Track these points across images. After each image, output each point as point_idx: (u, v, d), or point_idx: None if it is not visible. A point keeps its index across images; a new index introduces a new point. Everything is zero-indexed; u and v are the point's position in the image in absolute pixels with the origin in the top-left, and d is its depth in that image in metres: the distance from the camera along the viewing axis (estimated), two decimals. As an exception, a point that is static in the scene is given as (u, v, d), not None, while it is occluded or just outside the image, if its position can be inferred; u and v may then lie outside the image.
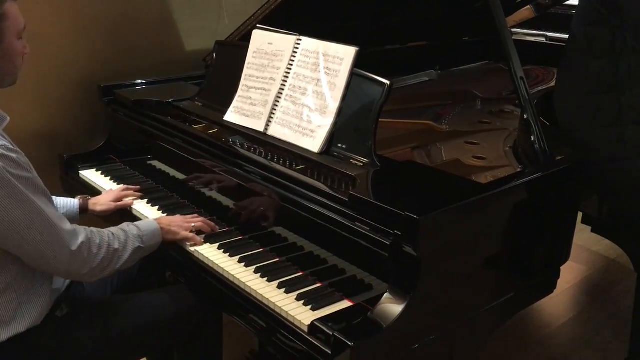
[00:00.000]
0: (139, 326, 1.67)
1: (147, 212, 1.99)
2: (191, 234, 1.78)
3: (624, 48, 1.76)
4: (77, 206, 1.95)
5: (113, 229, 1.63)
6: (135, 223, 1.71)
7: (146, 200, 2.06)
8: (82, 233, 1.52)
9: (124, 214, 2.02)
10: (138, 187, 2.12)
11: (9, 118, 1.51)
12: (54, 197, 1.72)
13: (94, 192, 2.17)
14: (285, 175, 1.70)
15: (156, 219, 1.79)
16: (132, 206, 2.03)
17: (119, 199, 2.03)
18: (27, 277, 1.49)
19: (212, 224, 1.85)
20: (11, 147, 1.42)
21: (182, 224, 1.79)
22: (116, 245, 1.58)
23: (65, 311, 1.58)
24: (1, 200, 1.37)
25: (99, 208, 1.99)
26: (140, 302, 1.73)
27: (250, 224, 1.81)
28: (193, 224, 1.80)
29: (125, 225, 1.68)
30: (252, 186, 1.77)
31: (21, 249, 1.43)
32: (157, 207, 2.01)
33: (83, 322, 1.61)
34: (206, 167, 1.94)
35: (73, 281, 1.67)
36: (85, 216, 1.99)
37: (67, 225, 1.50)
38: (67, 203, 1.93)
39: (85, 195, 2.03)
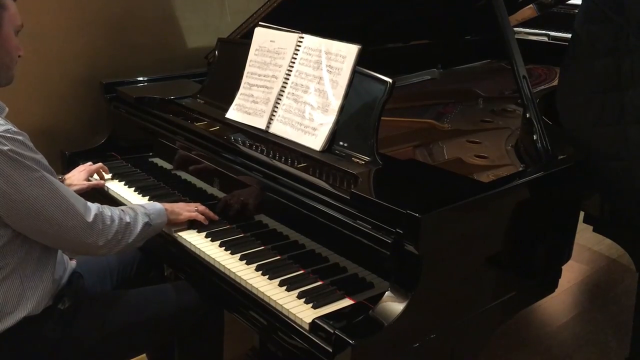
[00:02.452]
0: (140, 321, 1.68)
1: (149, 209, 1.98)
2: (194, 213, 1.82)
3: (627, 47, 1.75)
4: None
5: (121, 207, 1.68)
6: (140, 203, 1.76)
7: (147, 197, 2.06)
8: (94, 206, 1.56)
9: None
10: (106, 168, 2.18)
11: (7, 109, 1.53)
12: None
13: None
14: (287, 173, 1.69)
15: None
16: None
17: (92, 175, 2.10)
18: (31, 262, 1.50)
19: (211, 213, 1.86)
20: (16, 130, 1.44)
21: (185, 206, 1.85)
22: (127, 219, 1.62)
23: (68, 304, 1.59)
24: (18, 180, 1.39)
25: (74, 189, 1.98)
26: (142, 297, 1.74)
27: (251, 222, 1.81)
28: (195, 208, 1.84)
29: (131, 204, 1.72)
30: (254, 184, 1.77)
31: (41, 228, 1.45)
32: (158, 205, 2.01)
33: (85, 315, 1.62)
34: (208, 164, 1.94)
35: (73, 275, 1.67)
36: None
37: (79, 200, 1.53)
38: None
39: (61, 176, 2.03)
